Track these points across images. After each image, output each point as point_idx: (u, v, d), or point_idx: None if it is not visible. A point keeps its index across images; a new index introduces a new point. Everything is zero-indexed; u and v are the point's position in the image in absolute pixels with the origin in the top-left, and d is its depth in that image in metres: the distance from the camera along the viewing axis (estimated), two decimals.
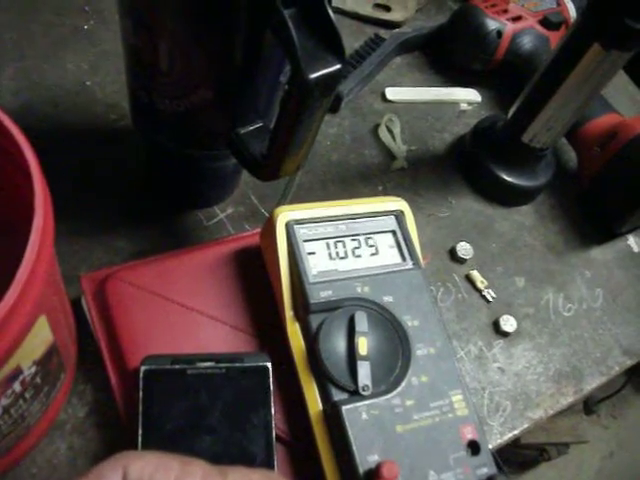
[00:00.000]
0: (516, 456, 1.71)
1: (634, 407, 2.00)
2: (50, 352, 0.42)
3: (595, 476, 1.87)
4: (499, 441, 0.58)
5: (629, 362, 0.67)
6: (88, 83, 0.69)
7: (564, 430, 1.74)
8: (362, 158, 0.73)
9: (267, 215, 0.54)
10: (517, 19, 0.80)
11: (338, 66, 0.40)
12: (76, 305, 0.52)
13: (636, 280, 0.74)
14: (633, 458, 1.92)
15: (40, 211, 0.34)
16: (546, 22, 0.81)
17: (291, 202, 0.56)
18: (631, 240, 0.77)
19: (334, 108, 0.74)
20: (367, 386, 0.46)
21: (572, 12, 0.84)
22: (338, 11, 0.85)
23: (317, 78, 0.40)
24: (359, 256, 0.52)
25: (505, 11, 0.80)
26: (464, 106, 0.82)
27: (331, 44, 0.40)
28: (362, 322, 0.48)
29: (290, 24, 0.39)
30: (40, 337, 0.40)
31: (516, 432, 0.59)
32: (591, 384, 0.64)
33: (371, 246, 0.53)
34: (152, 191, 0.63)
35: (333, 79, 0.41)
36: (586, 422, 1.91)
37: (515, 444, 0.59)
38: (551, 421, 0.62)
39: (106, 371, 0.50)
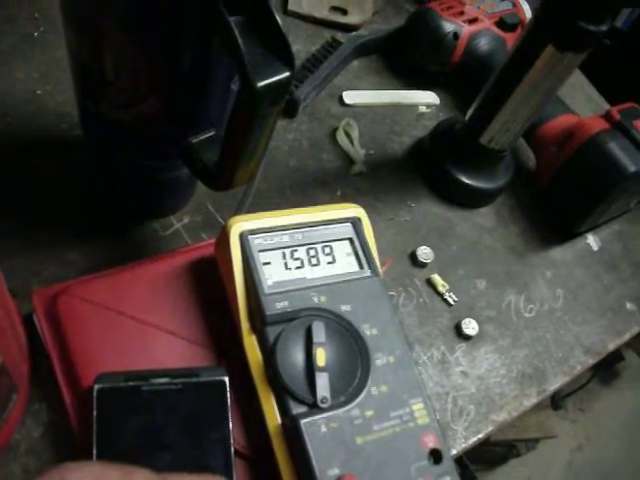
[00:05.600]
0: (485, 453, 1.72)
1: (601, 400, 2.03)
2: None
3: (565, 470, 1.89)
4: (464, 445, 0.58)
5: (591, 361, 0.68)
6: (39, 92, 0.67)
7: (532, 426, 1.76)
8: (320, 163, 0.72)
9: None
10: (473, 21, 0.80)
11: (287, 74, 0.40)
12: (29, 321, 0.51)
13: (596, 279, 0.74)
14: (602, 450, 1.95)
15: None
16: (502, 24, 0.82)
17: (249, 209, 0.55)
18: (590, 239, 0.78)
19: (291, 113, 0.73)
20: (326, 398, 0.45)
21: (528, 13, 0.85)
22: (294, 15, 0.84)
23: (265, 86, 0.39)
24: (316, 265, 0.51)
25: (461, 13, 0.80)
26: (422, 109, 0.81)
27: (280, 52, 0.40)
28: (319, 332, 0.47)
29: (236, 32, 0.38)
30: None
31: (480, 436, 0.59)
32: (554, 384, 0.65)
33: (328, 254, 0.52)
34: (106, 202, 0.61)
35: (282, 87, 0.40)
36: (554, 417, 1.94)
37: (484, 441, 0.59)
38: (519, 418, 0.63)
39: (59, 390, 0.49)
